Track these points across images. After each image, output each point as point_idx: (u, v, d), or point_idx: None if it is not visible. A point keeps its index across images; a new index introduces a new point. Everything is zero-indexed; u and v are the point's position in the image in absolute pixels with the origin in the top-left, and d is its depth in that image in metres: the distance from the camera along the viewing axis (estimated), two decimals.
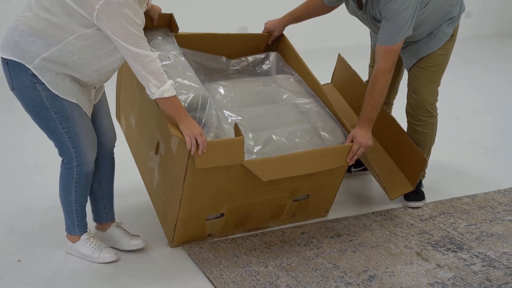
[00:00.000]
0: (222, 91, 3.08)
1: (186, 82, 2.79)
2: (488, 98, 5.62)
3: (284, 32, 3.43)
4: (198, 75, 3.02)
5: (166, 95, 2.55)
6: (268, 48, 3.46)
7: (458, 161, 4.10)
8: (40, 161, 3.99)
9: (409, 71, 3.37)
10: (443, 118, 4.73)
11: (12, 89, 2.58)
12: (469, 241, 3.04)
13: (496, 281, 2.70)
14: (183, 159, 2.64)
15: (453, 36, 3.29)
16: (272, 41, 3.44)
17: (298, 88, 3.22)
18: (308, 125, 3.03)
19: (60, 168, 2.74)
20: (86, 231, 2.87)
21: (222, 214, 2.93)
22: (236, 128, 2.70)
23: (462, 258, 2.88)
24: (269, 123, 2.98)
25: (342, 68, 3.74)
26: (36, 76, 2.51)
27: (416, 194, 3.42)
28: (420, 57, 3.27)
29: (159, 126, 2.81)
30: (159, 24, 3.08)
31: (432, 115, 3.39)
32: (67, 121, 2.59)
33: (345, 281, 2.70)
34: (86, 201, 2.84)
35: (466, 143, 4.47)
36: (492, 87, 5.99)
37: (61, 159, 2.73)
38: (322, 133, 3.00)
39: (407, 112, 3.42)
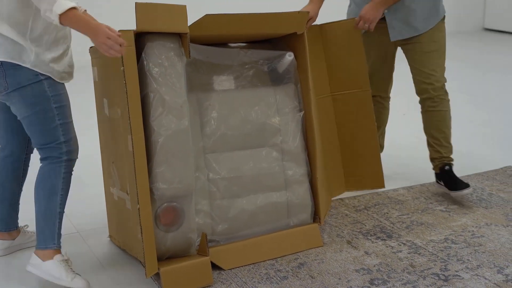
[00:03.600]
0: (212, 122, 2.88)
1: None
2: (468, 94, 5.75)
3: None
4: (196, 76, 2.88)
5: (59, 11, 2.26)
6: (290, 39, 3.08)
7: (402, 154, 4.24)
8: None
9: (412, 57, 3.42)
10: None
11: (6, 89, 2.45)
12: (399, 229, 3.17)
13: (419, 267, 2.83)
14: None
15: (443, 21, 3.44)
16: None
17: (292, 123, 3.07)
18: (282, 197, 3.00)
19: (40, 169, 2.57)
20: (60, 252, 2.61)
21: None
22: (203, 241, 2.70)
23: (390, 246, 3.01)
24: (246, 187, 2.92)
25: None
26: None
27: (456, 183, 3.44)
28: (418, 33, 3.35)
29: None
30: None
31: (447, 93, 3.47)
32: (63, 108, 2.52)
33: (276, 268, 2.82)
34: None
35: (414, 137, 4.59)
36: (473, 84, 6.12)
37: (40, 160, 2.59)
38: (292, 210, 3.02)
39: (425, 98, 3.45)
